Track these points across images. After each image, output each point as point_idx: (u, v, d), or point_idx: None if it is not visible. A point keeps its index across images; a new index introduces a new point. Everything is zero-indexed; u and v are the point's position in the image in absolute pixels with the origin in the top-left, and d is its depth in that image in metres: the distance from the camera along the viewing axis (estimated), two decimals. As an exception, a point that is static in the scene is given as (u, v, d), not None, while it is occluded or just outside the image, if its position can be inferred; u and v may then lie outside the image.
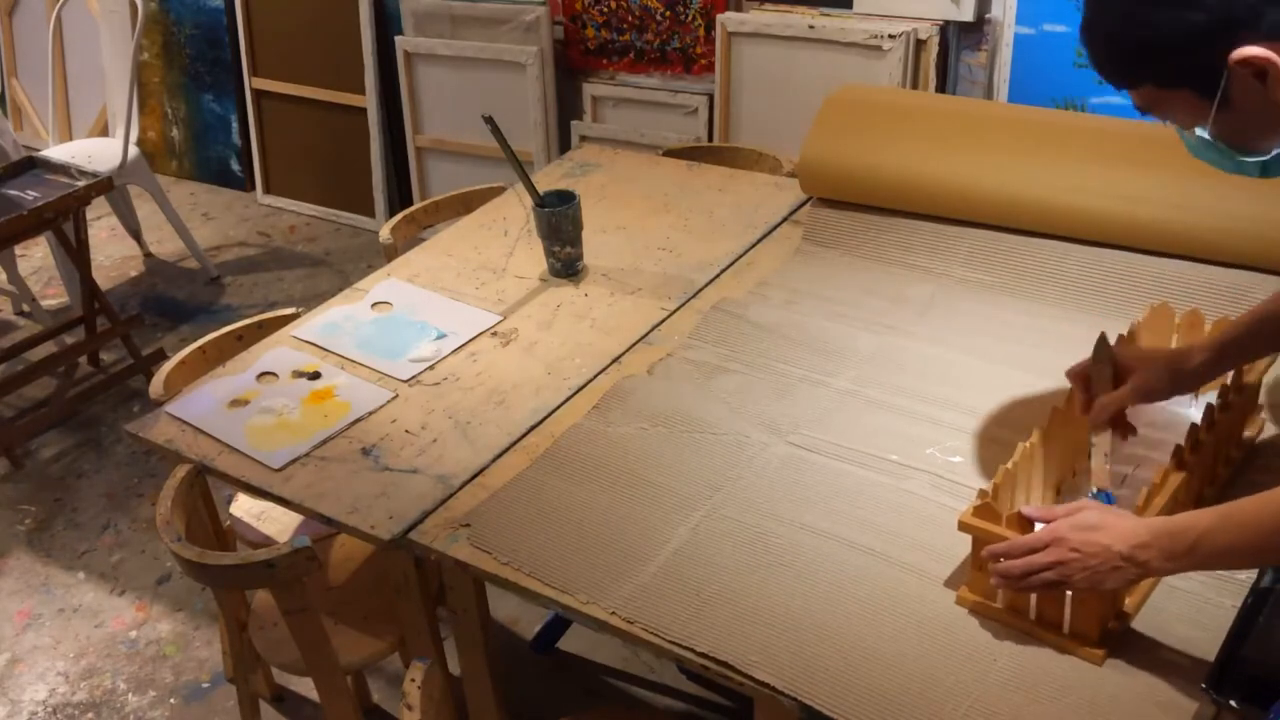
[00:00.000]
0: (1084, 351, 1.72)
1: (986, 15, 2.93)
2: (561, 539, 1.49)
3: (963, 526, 1.30)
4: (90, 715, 2.38)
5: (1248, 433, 1.53)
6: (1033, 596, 1.29)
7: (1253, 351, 1.44)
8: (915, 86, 3.00)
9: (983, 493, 1.31)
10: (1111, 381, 1.43)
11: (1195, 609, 1.30)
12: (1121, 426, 1.44)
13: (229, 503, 2.19)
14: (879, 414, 1.67)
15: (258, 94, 4.30)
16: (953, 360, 1.77)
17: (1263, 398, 1.57)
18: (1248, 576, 1.33)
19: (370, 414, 1.78)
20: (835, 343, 1.84)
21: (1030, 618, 1.30)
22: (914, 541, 1.44)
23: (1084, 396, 1.45)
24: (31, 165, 3.23)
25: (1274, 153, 1.16)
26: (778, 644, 1.32)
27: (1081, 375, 1.45)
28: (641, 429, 1.68)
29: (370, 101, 3.98)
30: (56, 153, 3.65)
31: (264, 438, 1.74)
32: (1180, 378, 1.42)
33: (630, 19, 3.44)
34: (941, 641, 1.30)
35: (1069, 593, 1.26)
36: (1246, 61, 1.05)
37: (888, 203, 2.07)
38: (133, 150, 3.73)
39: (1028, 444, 1.40)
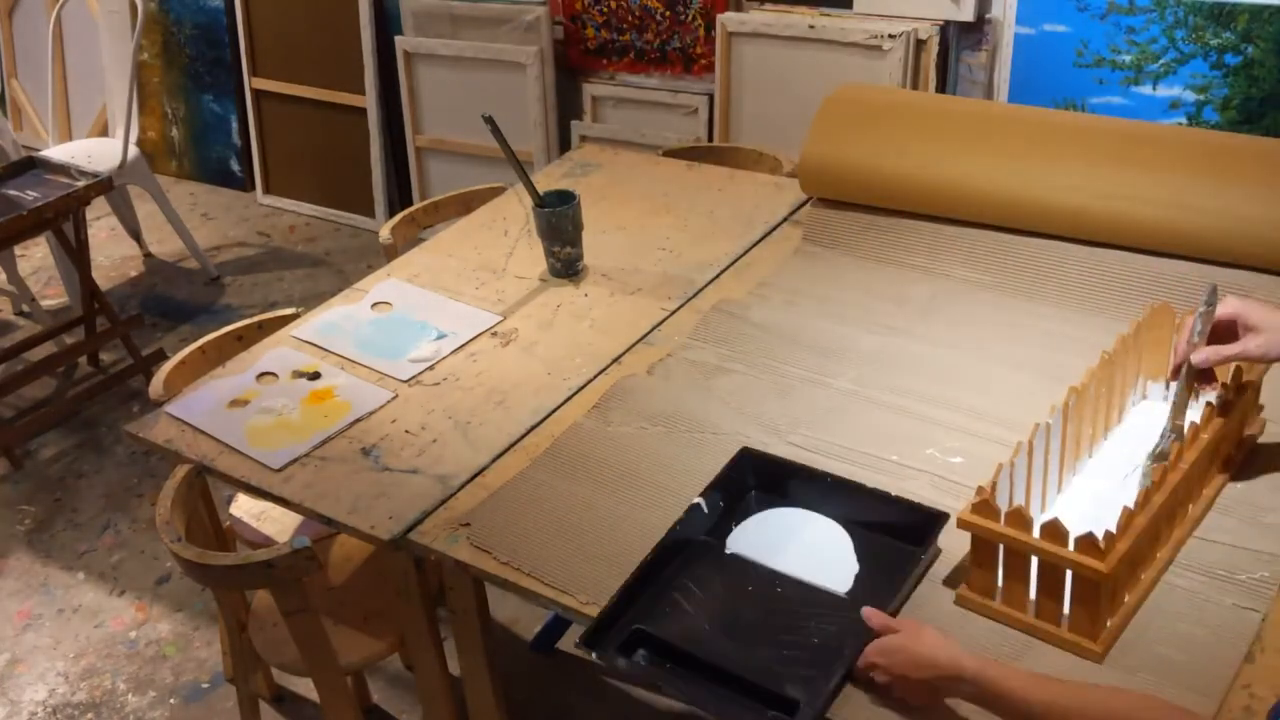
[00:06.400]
0: (1084, 351, 1.72)
1: (986, 15, 2.93)
2: (562, 538, 1.49)
3: (961, 524, 1.30)
4: (90, 715, 2.38)
5: (1249, 432, 1.53)
6: (1031, 593, 1.28)
7: None
8: (915, 86, 3.00)
9: (981, 490, 1.31)
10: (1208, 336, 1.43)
11: (1195, 607, 1.30)
12: (1207, 376, 1.45)
13: (229, 503, 2.19)
14: (879, 414, 1.67)
15: (257, 94, 4.30)
16: (953, 361, 1.77)
17: (1264, 398, 1.57)
18: (1247, 576, 1.33)
19: (370, 414, 1.78)
20: (835, 343, 1.84)
21: (1030, 617, 1.30)
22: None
23: (1181, 342, 1.45)
24: (31, 165, 3.23)
25: None
26: (778, 644, 1.32)
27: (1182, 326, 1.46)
28: (641, 428, 1.68)
29: (370, 101, 3.98)
30: (56, 153, 3.65)
31: (264, 438, 1.74)
32: None
33: (630, 19, 3.44)
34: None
35: (1068, 590, 1.25)
36: None
37: (888, 203, 2.07)
38: (133, 150, 3.73)
39: (1045, 423, 1.39)
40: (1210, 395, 1.47)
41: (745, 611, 1.37)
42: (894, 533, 1.44)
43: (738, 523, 1.49)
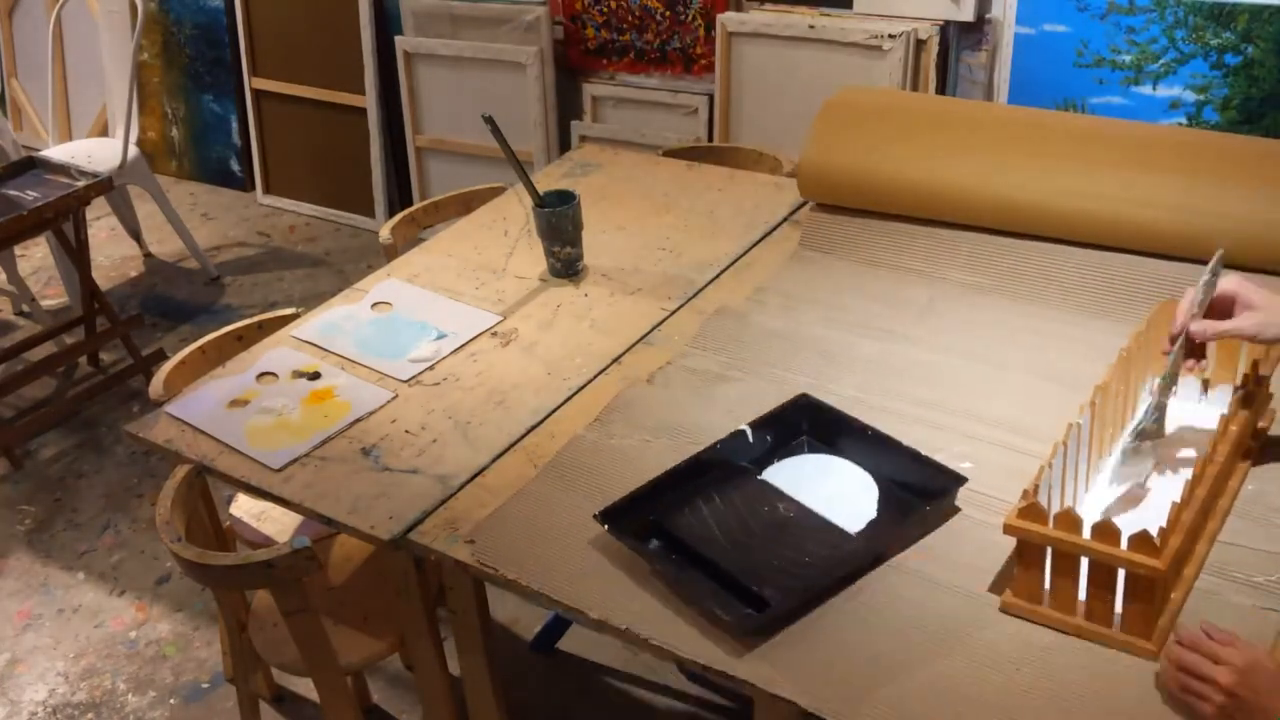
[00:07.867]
0: (1084, 354, 1.72)
1: (986, 15, 2.93)
2: (569, 555, 1.47)
3: (1008, 530, 1.28)
4: (90, 715, 2.38)
5: (1261, 424, 1.53)
6: (1080, 595, 1.27)
7: None
8: (915, 87, 3.00)
9: (1026, 493, 1.29)
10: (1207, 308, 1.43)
11: (1216, 608, 1.29)
12: (1197, 352, 1.45)
13: (229, 503, 2.19)
14: (885, 420, 1.65)
15: (257, 94, 4.30)
16: (955, 365, 1.76)
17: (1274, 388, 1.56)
18: (1264, 578, 1.32)
19: (370, 414, 1.78)
20: (836, 349, 1.83)
21: (1079, 619, 1.28)
22: (921, 546, 1.43)
23: (1182, 311, 1.42)
24: (31, 165, 3.23)
25: None
26: (788, 651, 1.31)
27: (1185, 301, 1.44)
28: (645, 440, 1.66)
29: (370, 101, 3.98)
30: (56, 153, 3.65)
31: (264, 438, 1.74)
32: None
33: (630, 19, 3.44)
34: (978, 650, 1.28)
35: (1120, 588, 1.24)
36: None
37: (887, 207, 2.07)
38: (133, 150, 3.73)
39: (1076, 423, 1.38)
40: (1195, 377, 1.47)
41: (755, 526, 1.47)
42: (918, 492, 1.51)
43: (780, 460, 1.60)
